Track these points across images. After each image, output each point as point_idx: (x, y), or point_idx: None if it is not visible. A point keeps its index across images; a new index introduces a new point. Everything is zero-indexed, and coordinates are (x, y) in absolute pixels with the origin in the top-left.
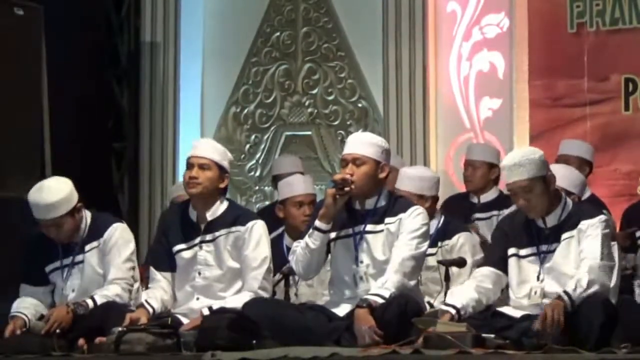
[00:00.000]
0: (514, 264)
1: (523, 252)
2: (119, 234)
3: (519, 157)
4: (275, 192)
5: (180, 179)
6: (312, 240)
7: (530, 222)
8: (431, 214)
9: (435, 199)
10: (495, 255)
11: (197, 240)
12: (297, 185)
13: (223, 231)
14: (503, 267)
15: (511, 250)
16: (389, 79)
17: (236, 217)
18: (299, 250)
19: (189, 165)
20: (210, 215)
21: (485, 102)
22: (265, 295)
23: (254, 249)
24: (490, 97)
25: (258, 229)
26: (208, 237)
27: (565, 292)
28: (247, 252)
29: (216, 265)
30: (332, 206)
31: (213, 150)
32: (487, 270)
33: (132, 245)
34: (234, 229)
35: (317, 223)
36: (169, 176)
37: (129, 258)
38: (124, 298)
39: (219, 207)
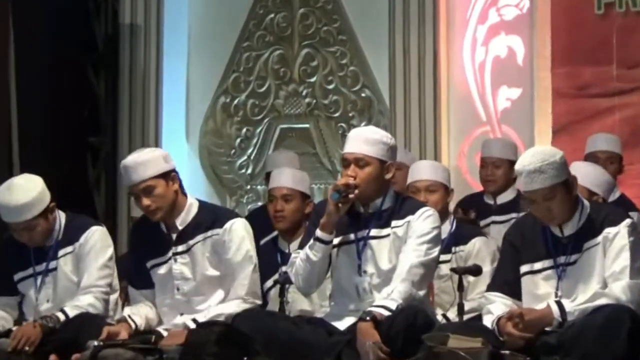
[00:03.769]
0: (528, 282)
1: (538, 265)
2: (97, 238)
3: (538, 162)
4: None
5: None
6: (313, 251)
7: (544, 230)
8: (445, 214)
9: (451, 195)
10: (504, 277)
11: (170, 253)
12: (276, 178)
13: (199, 237)
14: (514, 291)
15: (524, 268)
16: (395, 66)
17: (211, 219)
18: (299, 262)
19: (135, 196)
20: (180, 223)
21: (502, 92)
22: (254, 301)
23: (236, 251)
24: (508, 87)
25: (238, 228)
26: (181, 247)
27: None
28: (229, 255)
29: (193, 276)
30: (335, 214)
31: (144, 167)
32: (496, 298)
33: (110, 251)
34: (210, 233)
35: (319, 233)
36: None
37: (105, 264)
38: (98, 308)
39: (189, 212)
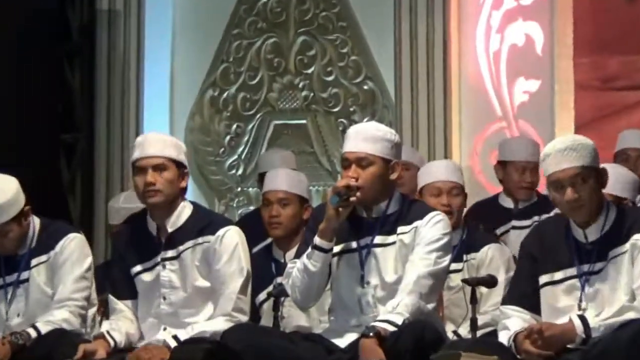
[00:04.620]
0: (548, 293)
1: (559, 275)
2: (74, 247)
3: (569, 141)
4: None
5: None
6: (311, 261)
7: (566, 235)
8: (458, 220)
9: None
10: (521, 289)
11: (158, 258)
12: (271, 180)
13: (189, 243)
14: (532, 304)
15: (543, 279)
16: (401, 56)
17: (203, 225)
18: (295, 273)
19: (141, 170)
20: (170, 225)
21: (520, 84)
22: (241, 318)
23: (226, 262)
24: (526, 78)
25: (231, 236)
26: (170, 252)
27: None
28: (218, 266)
29: (182, 286)
30: (335, 219)
31: (164, 145)
32: (513, 312)
33: (88, 262)
34: (201, 239)
35: (318, 240)
36: (130, 174)
37: (82, 276)
38: (74, 324)
39: (181, 214)
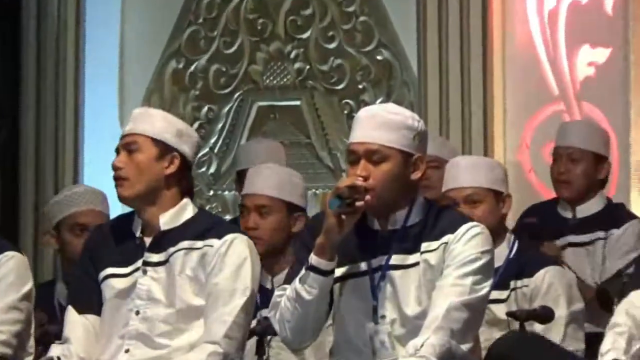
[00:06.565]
0: None
1: None
2: (12, 267)
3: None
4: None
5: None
6: (306, 287)
7: None
8: (499, 234)
9: (508, 203)
10: None
11: (138, 262)
12: (250, 180)
13: (183, 244)
14: None
15: None
16: (426, 17)
17: (207, 227)
18: (285, 303)
19: (117, 151)
20: (164, 222)
21: (583, 54)
22: (230, 350)
23: (229, 276)
24: (591, 46)
25: (241, 246)
26: (156, 257)
27: None
28: (217, 278)
29: (164, 300)
30: (336, 231)
31: (163, 116)
32: None
33: (27, 288)
34: (200, 243)
35: (315, 260)
36: (67, 171)
37: (15, 306)
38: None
39: (180, 214)
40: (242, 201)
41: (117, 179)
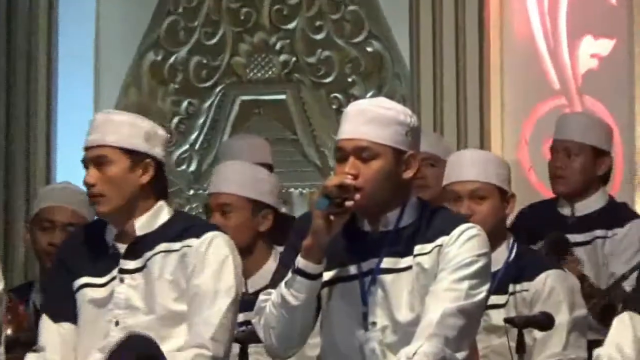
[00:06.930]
0: None
1: None
2: None
3: None
4: None
5: (58, 175)
6: (292, 291)
7: None
8: (499, 236)
9: (511, 203)
10: None
11: (114, 271)
12: (215, 178)
13: (160, 247)
14: None
15: None
16: (419, 6)
17: (184, 227)
18: (270, 309)
19: (85, 165)
20: (140, 226)
21: (586, 45)
22: (217, 353)
23: (212, 276)
24: (594, 37)
25: (221, 244)
26: (133, 263)
27: None
28: (199, 280)
29: (144, 308)
30: (324, 232)
31: (116, 126)
32: None
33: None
34: (179, 244)
35: (301, 262)
36: (39, 168)
37: None
38: None
39: (156, 217)
40: (209, 200)
41: (92, 196)
